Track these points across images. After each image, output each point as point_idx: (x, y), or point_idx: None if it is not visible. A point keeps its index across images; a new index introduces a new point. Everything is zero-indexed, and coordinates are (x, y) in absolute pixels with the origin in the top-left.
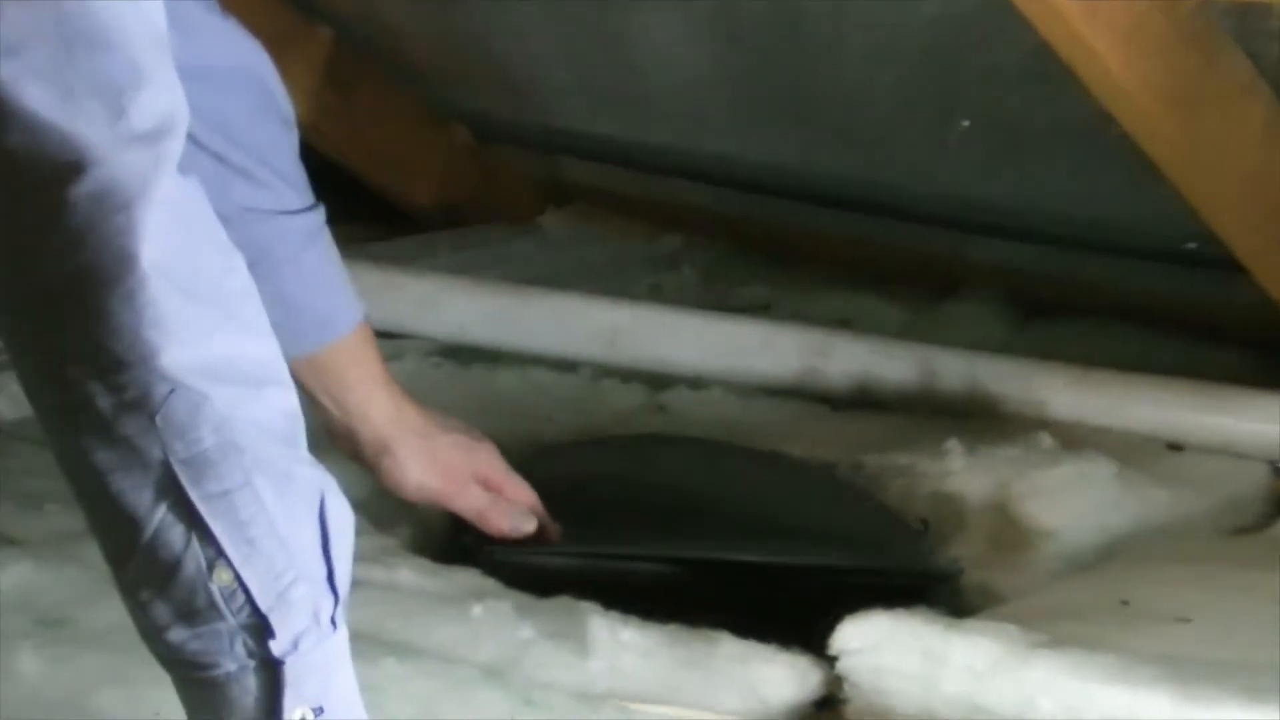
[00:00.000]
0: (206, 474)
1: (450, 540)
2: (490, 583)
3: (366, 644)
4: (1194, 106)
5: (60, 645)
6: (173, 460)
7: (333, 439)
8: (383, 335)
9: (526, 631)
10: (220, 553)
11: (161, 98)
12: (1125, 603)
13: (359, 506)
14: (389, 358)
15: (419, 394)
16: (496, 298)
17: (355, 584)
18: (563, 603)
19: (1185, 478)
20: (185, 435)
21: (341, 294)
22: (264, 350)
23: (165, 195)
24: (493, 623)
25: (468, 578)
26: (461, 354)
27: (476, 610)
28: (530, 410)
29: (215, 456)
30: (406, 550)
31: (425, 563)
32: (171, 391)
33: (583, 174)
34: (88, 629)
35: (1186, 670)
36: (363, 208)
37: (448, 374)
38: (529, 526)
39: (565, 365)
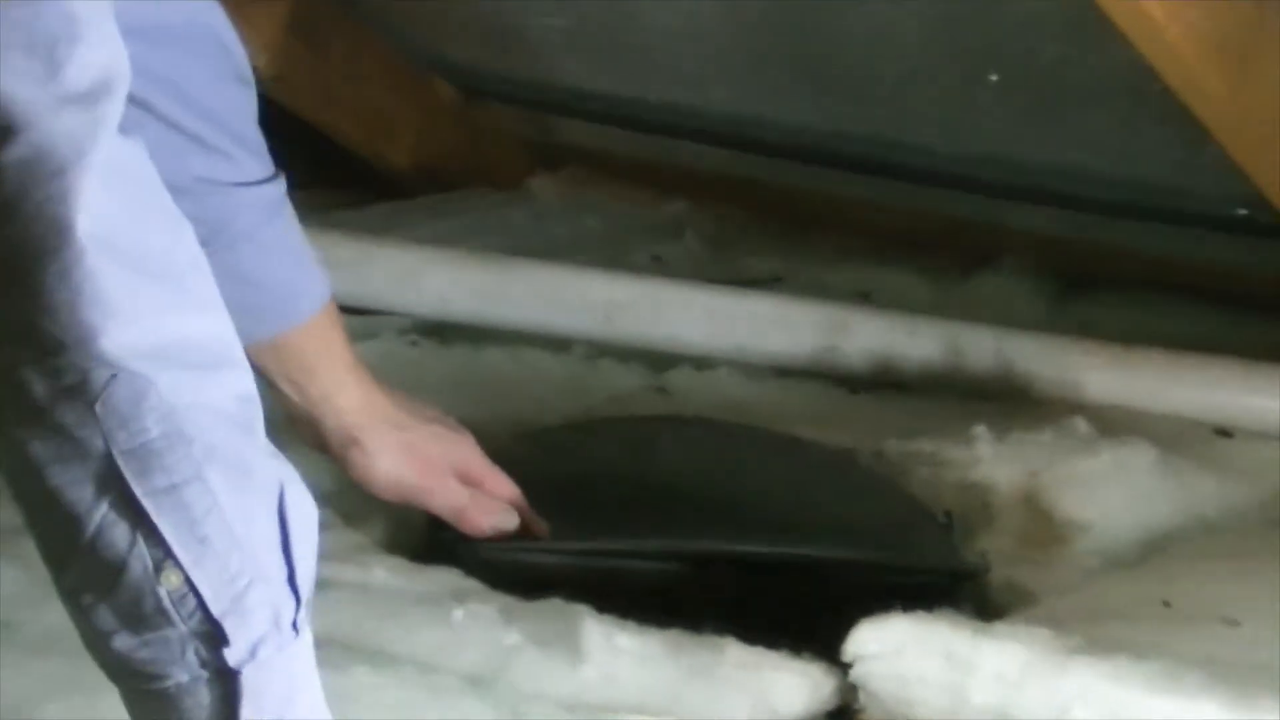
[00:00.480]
0: (152, 467)
1: (429, 537)
2: (473, 583)
3: (337, 651)
4: (1244, 59)
5: (4, 652)
6: (115, 452)
7: (296, 428)
8: (356, 311)
9: (513, 637)
10: (169, 553)
11: (99, 53)
12: (1167, 603)
13: (327, 499)
14: (362, 336)
15: (395, 376)
16: (482, 269)
17: (324, 585)
18: (553, 605)
19: (1234, 466)
20: (129, 424)
21: (306, 272)
22: (215, 329)
23: (104, 160)
24: (476, 627)
25: (448, 577)
26: (443, 332)
27: (458, 614)
28: (519, 393)
29: (162, 447)
30: (380, 547)
31: (401, 561)
32: (113, 377)
33: (577, 134)
34: (34, 634)
35: (1234, 676)
36: (334, 171)
37: (427, 354)
38: (511, 524)
39: (557, 344)
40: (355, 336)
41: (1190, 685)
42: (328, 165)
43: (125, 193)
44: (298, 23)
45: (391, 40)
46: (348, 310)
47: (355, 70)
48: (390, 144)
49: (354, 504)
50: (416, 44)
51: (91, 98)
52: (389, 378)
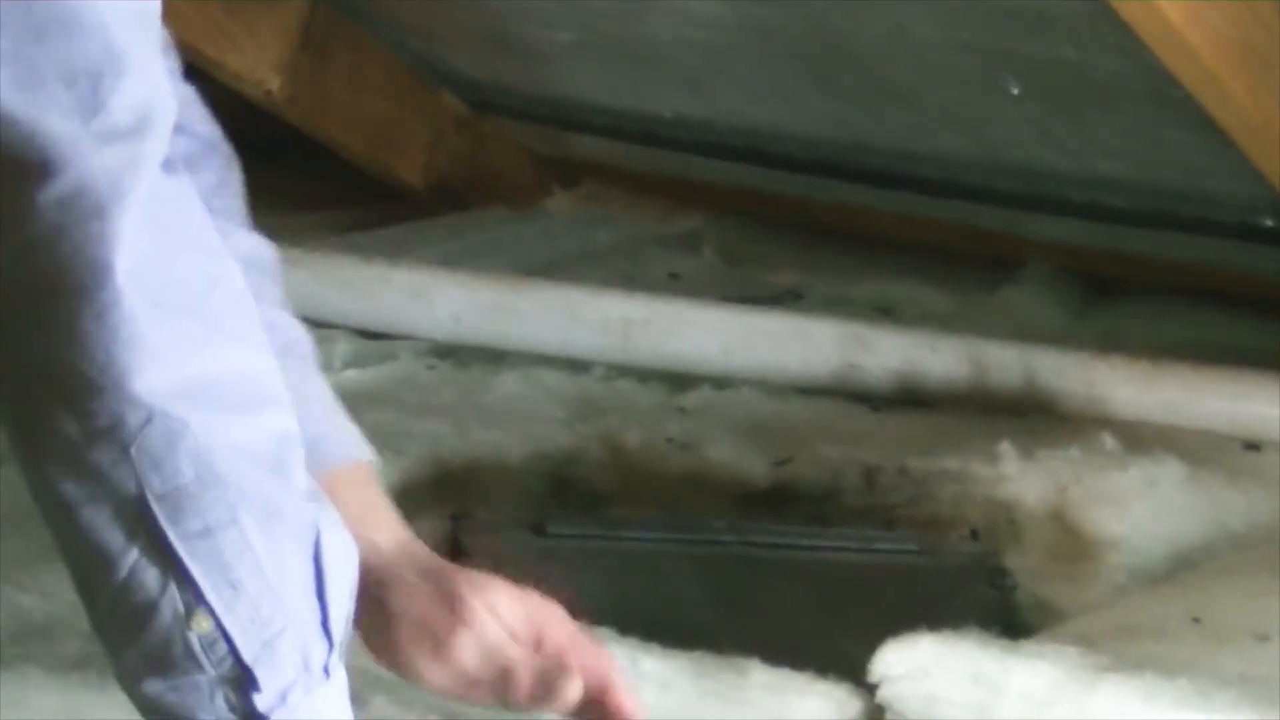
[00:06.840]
0: (186, 510)
1: (450, 552)
2: None
3: (354, 680)
4: (1266, 65)
5: (10, 685)
6: (149, 495)
7: None
8: (371, 336)
9: None
10: (200, 598)
11: (143, 88)
12: (1196, 620)
13: None
14: (379, 359)
15: (410, 397)
16: (497, 290)
17: None
18: None
19: (1263, 480)
20: (162, 467)
21: (338, 419)
22: (254, 366)
23: (145, 198)
24: None
25: None
26: (459, 354)
27: None
28: (536, 415)
29: (196, 490)
30: None
31: None
32: (148, 419)
33: (590, 149)
34: (41, 665)
35: (1266, 693)
36: (352, 192)
37: (443, 376)
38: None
39: (574, 365)
40: (373, 360)
41: (1221, 703)
42: (345, 187)
43: (165, 231)
44: (307, 37)
45: (402, 56)
46: (364, 335)
47: (366, 87)
48: (400, 161)
49: None
50: (427, 59)
51: (135, 134)
52: (406, 400)
